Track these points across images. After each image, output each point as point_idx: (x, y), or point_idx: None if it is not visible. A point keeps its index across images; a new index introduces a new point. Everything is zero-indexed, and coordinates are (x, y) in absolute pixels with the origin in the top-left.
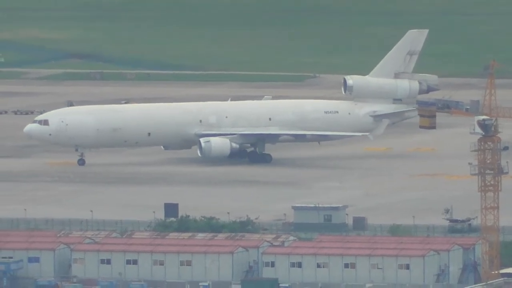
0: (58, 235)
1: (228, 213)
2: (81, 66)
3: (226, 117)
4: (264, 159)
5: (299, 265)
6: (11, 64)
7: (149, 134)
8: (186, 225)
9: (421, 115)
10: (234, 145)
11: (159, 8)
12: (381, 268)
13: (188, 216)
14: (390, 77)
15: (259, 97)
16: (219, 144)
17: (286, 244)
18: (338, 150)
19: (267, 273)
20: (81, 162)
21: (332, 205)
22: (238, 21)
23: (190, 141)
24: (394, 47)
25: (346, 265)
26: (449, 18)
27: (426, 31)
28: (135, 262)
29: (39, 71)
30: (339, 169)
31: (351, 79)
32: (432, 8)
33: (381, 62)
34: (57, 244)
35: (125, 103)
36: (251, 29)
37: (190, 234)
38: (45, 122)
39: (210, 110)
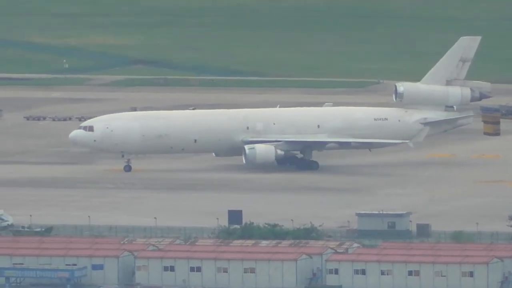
0: (122, 242)
1: (292, 220)
2: (145, 72)
3: (274, 124)
4: (310, 166)
5: (363, 272)
6: (75, 71)
7: (195, 140)
8: (250, 232)
9: (485, 122)
10: (279, 152)
11: (223, 14)
12: (445, 276)
13: (252, 223)
14: (442, 84)
15: (320, 104)
16: (264, 151)
17: (350, 251)
18: (399, 157)
19: (331, 280)
20: (128, 168)
21: (396, 212)
22: (301, 27)
23: (238, 148)
24: (446, 54)
25: (410, 273)
26: None
27: (478, 38)
28: (198, 269)
29: (103, 77)
30: (402, 176)
31: (401, 86)
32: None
33: (433, 69)
34: (121, 251)
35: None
36: (315, 35)
37: (254, 241)
38: (90, 128)
39: (257, 117)
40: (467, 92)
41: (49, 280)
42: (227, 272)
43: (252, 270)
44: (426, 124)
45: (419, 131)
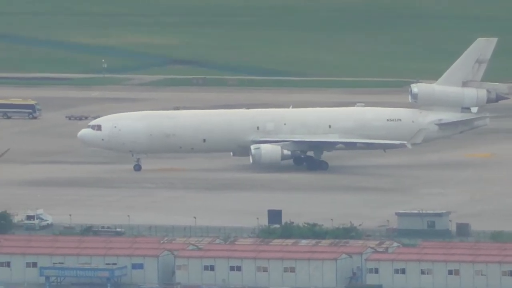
0: (162, 241)
1: (332, 219)
2: (184, 72)
3: (285, 124)
4: (320, 167)
5: (403, 271)
6: (114, 70)
7: (204, 140)
8: (289, 232)
9: None
10: (285, 152)
11: (262, 14)
12: (485, 275)
13: (292, 222)
14: (457, 86)
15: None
16: (269, 151)
17: (389, 250)
18: (438, 157)
19: (371, 279)
20: (137, 167)
21: (435, 211)
22: (340, 27)
23: (249, 148)
24: (462, 55)
25: (450, 272)
26: None
27: (495, 40)
28: (238, 268)
29: (141, 77)
30: (441, 175)
31: (416, 87)
32: None
33: (449, 70)
34: (161, 250)
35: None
36: (354, 35)
37: (293, 240)
38: (98, 128)
39: (268, 117)
40: (483, 93)
41: (89, 279)
42: (267, 271)
43: (292, 270)
44: (440, 125)
45: (416, 132)
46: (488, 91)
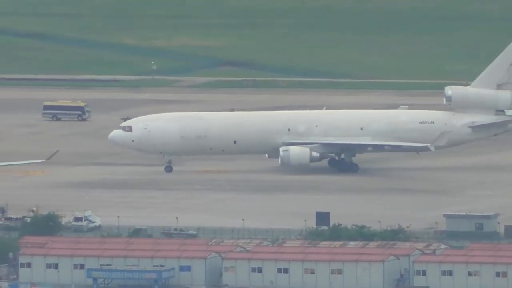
0: (210, 243)
1: (380, 221)
2: (234, 74)
3: (316, 126)
4: (351, 169)
5: (450, 273)
6: (164, 72)
7: (235, 142)
8: (337, 234)
9: None
10: (314, 154)
11: (311, 15)
12: None
13: (340, 224)
14: (492, 88)
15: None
16: (298, 153)
17: (437, 252)
18: (486, 159)
19: (418, 281)
20: (169, 169)
21: (483, 213)
22: (389, 29)
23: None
24: (497, 57)
25: (498, 274)
26: None
27: None
28: (286, 270)
29: (191, 79)
30: (489, 177)
31: (450, 90)
32: None
33: (484, 72)
34: (209, 252)
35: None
36: (403, 36)
37: (341, 242)
38: (129, 129)
39: (300, 119)
40: None
41: (137, 281)
42: (314, 273)
43: (340, 271)
44: (474, 127)
45: (439, 134)
46: None
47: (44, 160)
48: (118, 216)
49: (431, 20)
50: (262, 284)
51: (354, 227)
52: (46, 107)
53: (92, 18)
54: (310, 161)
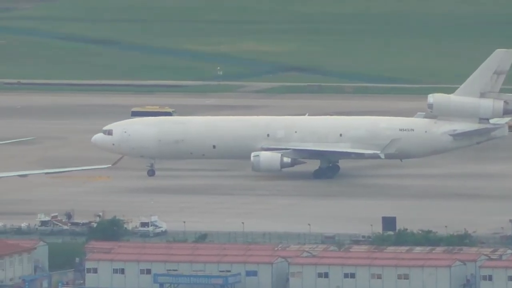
0: (276, 248)
1: (446, 226)
2: (299, 79)
3: (296, 132)
4: (325, 175)
5: None
6: (229, 77)
7: (214, 146)
8: (403, 239)
9: None
10: (285, 160)
11: (376, 20)
12: None
13: (406, 229)
14: (475, 96)
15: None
16: (268, 158)
17: (503, 257)
18: None
19: (485, 286)
20: (151, 172)
21: None
22: (454, 34)
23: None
24: (480, 66)
25: None
26: None
27: None
28: (352, 275)
29: (256, 84)
30: None
31: (432, 97)
32: None
33: (467, 81)
34: (275, 257)
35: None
36: (466, 42)
37: (407, 247)
38: (110, 132)
39: (279, 124)
40: (499, 104)
41: (203, 286)
42: (381, 278)
43: (406, 277)
44: (455, 135)
45: (389, 141)
46: (505, 102)
47: (110, 165)
48: (184, 222)
49: (496, 24)
50: None
51: (420, 232)
52: (134, 113)
53: (157, 24)
54: (281, 167)
